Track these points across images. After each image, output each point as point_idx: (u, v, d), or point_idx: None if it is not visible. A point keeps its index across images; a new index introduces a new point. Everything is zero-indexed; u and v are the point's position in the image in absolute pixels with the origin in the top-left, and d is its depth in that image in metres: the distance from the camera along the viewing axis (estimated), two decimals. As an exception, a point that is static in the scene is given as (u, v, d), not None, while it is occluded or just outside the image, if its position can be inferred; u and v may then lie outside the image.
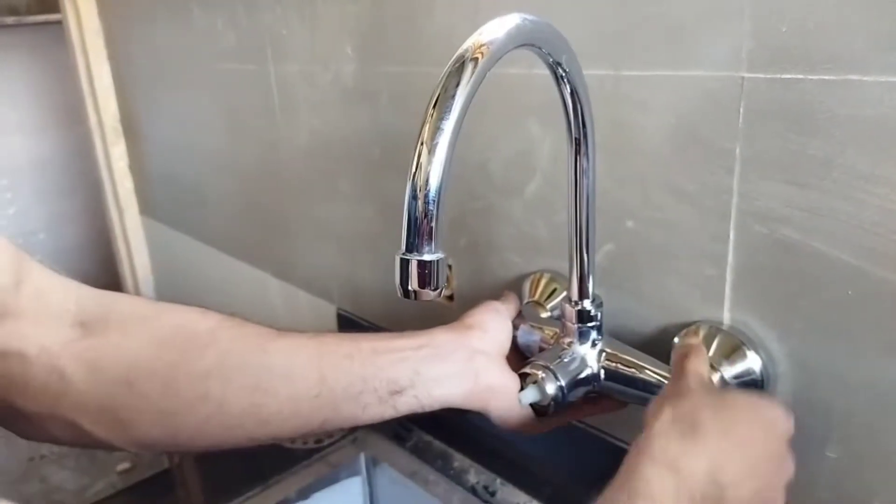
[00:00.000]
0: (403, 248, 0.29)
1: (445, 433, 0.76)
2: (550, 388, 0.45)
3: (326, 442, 0.78)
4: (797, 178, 0.40)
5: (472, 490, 0.69)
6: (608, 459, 0.58)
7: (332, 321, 0.88)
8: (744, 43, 0.40)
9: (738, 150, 0.42)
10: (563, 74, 0.39)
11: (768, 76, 0.40)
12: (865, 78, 0.36)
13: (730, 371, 0.45)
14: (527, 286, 0.58)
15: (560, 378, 0.45)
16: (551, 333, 0.51)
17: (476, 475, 0.71)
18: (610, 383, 0.46)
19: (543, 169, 0.55)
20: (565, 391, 0.45)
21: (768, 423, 0.38)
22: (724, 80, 0.41)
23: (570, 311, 0.46)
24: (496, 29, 0.34)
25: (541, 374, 0.45)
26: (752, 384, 0.44)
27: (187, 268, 1.22)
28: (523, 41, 0.35)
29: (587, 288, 0.46)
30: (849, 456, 0.42)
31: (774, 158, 0.41)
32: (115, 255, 1.38)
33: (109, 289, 0.44)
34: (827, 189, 0.39)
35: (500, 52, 0.33)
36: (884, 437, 0.40)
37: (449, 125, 0.31)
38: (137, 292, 1.34)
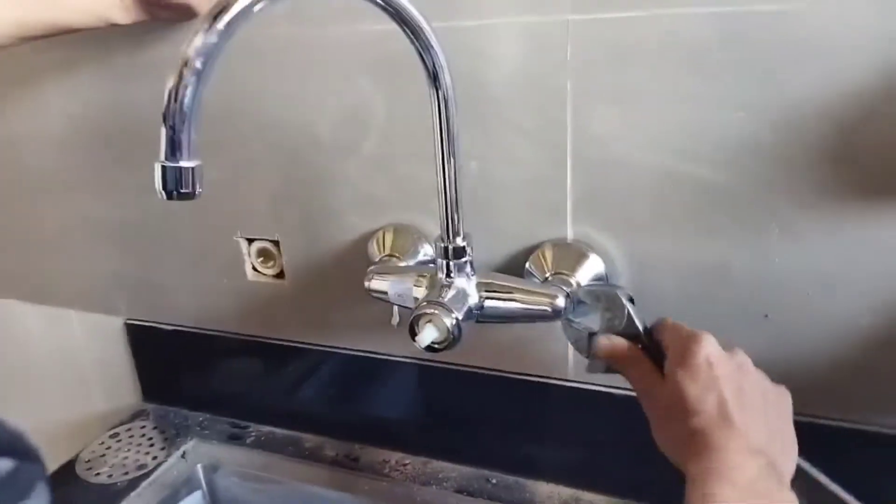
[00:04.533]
0: (163, 156, 0.32)
1: (288, 421, 0.73)
2: (448, 321, 0.47)
3: (151, 466, 0.69)
4: (618, 104, 0.48)
5: (334, 462, 0.68)
6: (454, 394, 0.62)
7: (121, 337, 0.78)
8: (565, -10, 0.47)
9: (568, 86, 0.49)
10: (413, 28, 0.40)
11: (589, 17, 0.47)
12: (661, 10, 0.45)
13: (582, 276, 0.52)
14: (374, 244, 0.59)
15: (453, 310, 0.47)
16: (419, 278, 0.53)
17: (332, 448, 0.70)
18: (491, 306, 0.50)
19: (379, 126, 0.56)
20: (460, 322, 0.48)
21: (782, 396, 0.43)
22: (553, 24, 0.48)
23: (445, 249, 0.49)
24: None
25: (434, 310, 0.47)
26: (599, 278, 0.53)
27: None
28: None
29: (458, 227, 0.49)
30: (683, 321, 0.52)
31: (599, 90, 0.48)
32: None
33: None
34: (642, 109, 0.48)
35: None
36: (705, 305, 0.51)
37: (209, 47, 0.32)
38: None
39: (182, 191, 0.33)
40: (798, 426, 0.43)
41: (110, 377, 0.82)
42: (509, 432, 0.63)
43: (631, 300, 0.48)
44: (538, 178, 0.52)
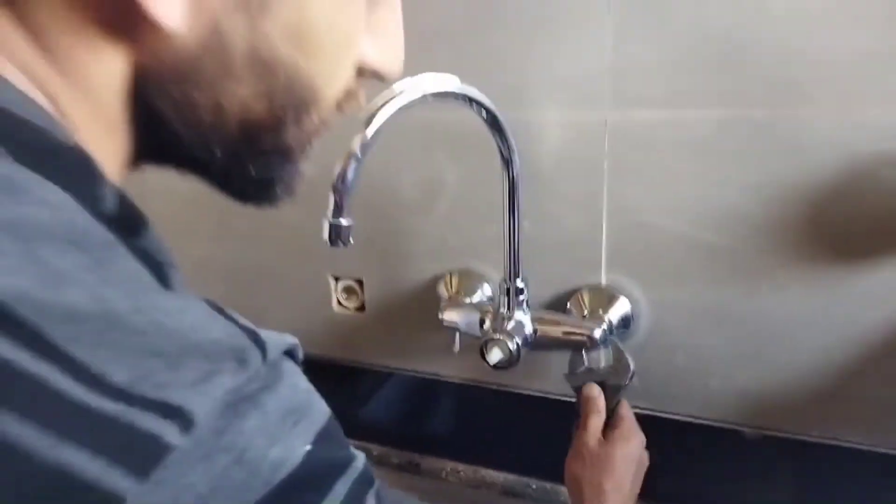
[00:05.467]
0: (330, 216, 0.46)
1: (359, 433, 0.86)
2: (511, 346, 0.61)
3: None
4: (644, 181, 0.63)
5: (399, 468, 0.81)
6: (500, 412, 0.75)
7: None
8: (605, 88, 0.62)
9: (605, 166, 0.64)
10: (489, 114, 0.55)
11: (624, 114, 0.62)
12: (679, 112, 0.60)
13: (612, 314, 0.66)
14: (443, 284, 0.73)
15: (515, 337, 0.61)
16: (484, 312, 0.67)
17: (397, 457, 0.83)
18: (542, 335, 0.64)
19: (451, 190, 0.71)
20: (520, 347, 0.61)
21: (638, 460, 0.60)
22: (594, 118, 0.63)
23: (508, 289, 0.63)
24: (434, 80, 0.49)
25: (499, 336, 0.61)
26: (626, 320, 0.66)
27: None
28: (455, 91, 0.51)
29: (518, 269, 0.63)
30: (692, 353, 0.66)
31: (629, 170, 0.63)
32: None
33: None
34: (663, 186, 0.62)
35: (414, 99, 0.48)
36: (710, 340, 0.65)
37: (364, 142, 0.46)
38: None
39: (342, 241, 0.47)
40: (782, 441, 0.58)
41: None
42: (544, 445, 0.75)
43: (633, 376, 0.63)
44: (580, 237, 0.67)
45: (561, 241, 0.68)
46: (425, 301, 0.74)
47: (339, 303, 0.81)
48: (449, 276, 0.73)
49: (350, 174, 0.47)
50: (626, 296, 0.66)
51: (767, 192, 0.59)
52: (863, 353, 0.60)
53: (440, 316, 0.69)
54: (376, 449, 0.84)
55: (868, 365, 0.60)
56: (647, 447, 0.61)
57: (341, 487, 0.27)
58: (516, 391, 0.75)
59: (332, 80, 0.33)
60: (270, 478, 0.24)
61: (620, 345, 0.64)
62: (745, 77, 0.57)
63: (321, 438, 0.27)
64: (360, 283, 0.79)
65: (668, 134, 0.61)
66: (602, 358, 0.64)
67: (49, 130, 0.25)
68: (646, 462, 0.61)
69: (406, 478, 0.79)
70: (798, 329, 0.61)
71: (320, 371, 0.86)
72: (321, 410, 0.28)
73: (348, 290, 0.80)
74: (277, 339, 0.27)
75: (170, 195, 0.86)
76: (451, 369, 0.78)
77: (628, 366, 0.63)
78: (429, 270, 0.75)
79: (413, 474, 0.80)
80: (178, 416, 0.21)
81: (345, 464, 0.28)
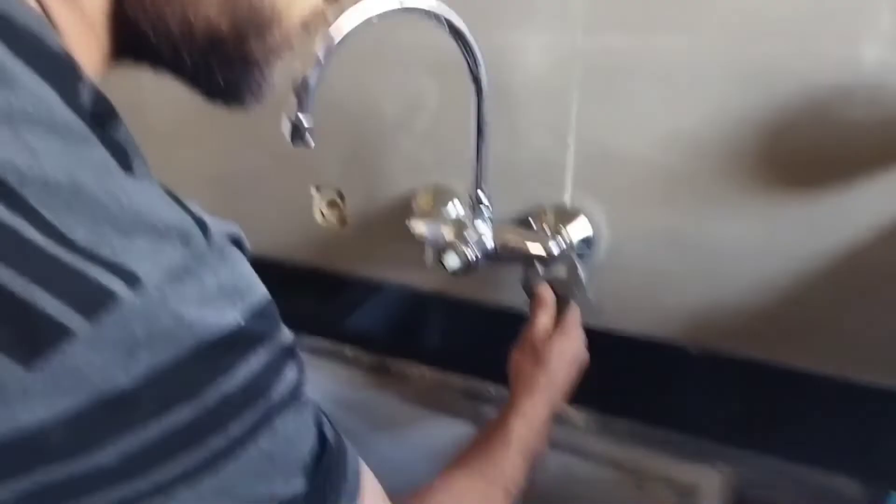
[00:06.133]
0: (293, 116, 0.49)
1: (333, 335, 0.91)
2: (469, 254, 0.65)
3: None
4: (612, 106, 0.65)
5: (370, 369, 0.87)
6: (467, 321, 0.79)
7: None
8: (578, 11, 0.63)
9: (575, 88, 0.66)
10: (453, 28, 0.57)
11: (594, 38, 0.63)
12: (648, 39, 0.61)
13: (572, 233, 0.70)
14: (419, 198, 0.77)
15: (473, 247, 0.65)
16: (451, 225, 0.70)
17: (368, 358, 0.89)
18: (503, 246, 0.68)
19: (429, 108, 0.73)
20: (477, 255, 0.65)
21: (577, 359, 0.65)
22: (566, 42, 0.64)
23: (472, 201, 0.66)
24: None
25: (458, 244, 0.65)
26: (586, 239, 0.70)
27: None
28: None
29: (482, 182, 0.66)
30: (647, 274, 0.69)
31: (598, 94, 0.65)
32: None
33: None
34: (630, 112, 0.64)
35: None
36: (664, 261, 0.68)
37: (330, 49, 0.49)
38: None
39: (303, 140, 0.50)
40: (730, 361, 0.65)
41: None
42: (504, 352, 0.80)
43: (584, 288, 0.68)
44: (547, 158, 0.69)
45: (529, 162, 0.71)
46: (402, 215, 0.78)
47: (322, 214, 0.86)
48: (424, 191, 0.77)
49: (312, 79, 0.50)
50: (588, 216, 0.70)
51: (727, 119, 0.61)
52: (806, 279, 0.63)
53: (409, 227, 0.73)
54: (350, 350, 0.90)
55: (811, 291, 0.63)
56: (599, 362, 0.66)
57: (264, 354, 0.30)
58: (481, 303, 0.79)
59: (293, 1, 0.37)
60: (202, 336, 0.27)
61: (575, 258, 0.68)
62: (714, 5, 0.58)
63: (255, 315, 0.30)
64: (342, 196, 0.83)
65: (636, 59, 0.62)
66: (556, 269, 0.69)
67: (42, 36, 0.28)
68: (584, 361, 0.66)
69: (375, 378, 0.85)
70: (747, 253, 0.65)
71: (301, 279, 0.92)
72: (260, 293, 0.31)
73: (331, 203, 0.84)
74: (222, 225, 0.30)
75: (156, 102, 0.89)
76: (423, 281, 0.82)
77: (580, 277, 0.67)
78: (406, 185, 0.78)
79: (382, 375, 0.85)
80: (127, 276, 0.25)
81: (273, 336, 0.31)
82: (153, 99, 0.89)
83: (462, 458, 0.55)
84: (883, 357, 0.63)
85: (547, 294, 0.68)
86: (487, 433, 0.58)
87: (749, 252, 0.64)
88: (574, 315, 0.67)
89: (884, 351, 0.62)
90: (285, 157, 0.84)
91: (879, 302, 0.61)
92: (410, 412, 0.82)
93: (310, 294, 0.91)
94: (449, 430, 0.80)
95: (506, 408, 0.60)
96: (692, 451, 0.72)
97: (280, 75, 0.41)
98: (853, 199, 0.59)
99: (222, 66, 0.37)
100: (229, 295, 0.29)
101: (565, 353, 0.63)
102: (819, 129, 0.58)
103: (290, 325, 0.34)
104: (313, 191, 0.84)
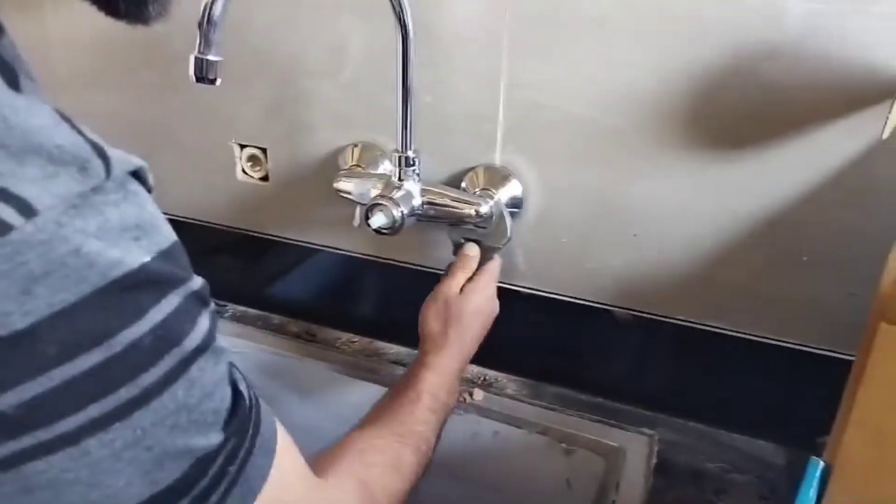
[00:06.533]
0: (197, 51, 0.46)
1: (260, 303, 0.88)
2: (395, 213, 0.62)
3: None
4: (544, 59, 0.62)
5: (297, 336, 0.83)
6: (393, 286, 0.76)
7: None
8: (509, -34, 0.60)
9: (504, 41, 0.63)
10: None
11: (525, -11, 0.61)
12: (580, -6, 0.59)
13: (503, 194, 0.67)
14: (345, 155, 0.73)
15: (400, 204, 0.62)
16: (377, 182, 0.67)
17: (295, 326, 0.85)
18: (430, 206, 0.65)
19: (355, 57, 0.69)
20: (405, 215, 0.62)
21: (487, 312, 0.63)
22: (497, -9, 0.62)
23: (399, 158, 0.63)
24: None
25: (385, 202, 0.62)
26: (515, 200, 0.68)
27: None
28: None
29: (409, 142, 0.63)
30: (576, 236, 0.68)
31: (530, 46, 0.62)
32: None
33: None
34: (562, 65, 0.62)
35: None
36: (592, 222, 0.67)
37: None
38: None
39: (209, 77, 0.47)
40: (651, 322, 0.63)
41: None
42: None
43: (508, 240, 0.67)
44: (477, 113, 0.67)
45: (459, 117, 0.68)
46: (328, 173, 0.74)
47: (244, 171, 0.81)
48: (351, 148, 0.73)
49: (217, 8, 0.46)
50: (518, 175, 0.68)
51: (657, 76, 0.59)
52: (730, 241, 0.63)
53: (334, 185, 0.69)
54: (276, 318, 0.86)
55: (734, 254, 0.63)
56: (526, 325, 0.65)
57: (175, 298, 0.28)
58: (409, 266, 0.77)
59: None
60: (106, 273, 0.25)
61: (505, 211, 0.66)
62: (645, -45, 0.56)
63: (162, 256, 0.28)
64: (265, 151, 0.78)
65: (568, 10, 0.60)
66: (485, 225, 0.67)
67: None
68: (492, 312, 0.65)
69: (303, 346, 0.82)
70: (673, 215, 0.64)
71: (222, 240, 0.87)
72: (167, 234, 0.29)
73: (253, 159, 0.80)
74: (123, 158, 0.28)
75: (75, 45, 0.82)
76: (350, 244, 0.79)
77: (506, 231, 0.65)
78: (333, 142, 0.74)
79: (309, 342, 0.82)
80: (19, 204, 0.23)
81: (182, 280, 0.29)
82: (58, 37, 0.82)
83: (371, 415, 0.54)
84: (807, 320, 0.63)
85: (471, 252, 0.67)
86: (397, 389, 0.56)
87: (675, 213, 0.63)
88: (492, 267, 0.66)
89: (808, 314, 0.63)
90: (205, 108, 0.78)
91: (801, 264, 0.61)
92: (338, 380, 0.79)
93: (231, 258, 0.87)
94: (375, 398, 0.77)
95: (415, 363, 0.59)
96: (618, 415, 0.72)
97: None
98: (778, 159, 0.58)
99: None
100: (133, 232, 0.27)
101: (477, 310, 0.62)
102: (746, 89, 0.57)
103: (213, 292, 0.32)
104: (234, 145, 0.79)
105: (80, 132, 0.26)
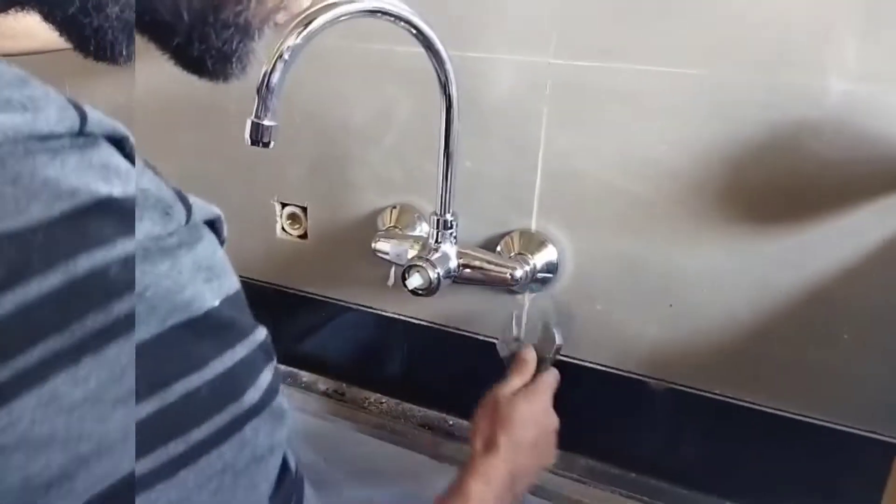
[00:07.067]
0: (254, 116, 0.47)
1: (289, 359, 0.88)
2: (431, 274, 0.62)
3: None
4: (581, 130, 0.64)
5: (325, 394, 0.83)
6: (426, 348, 0.76)
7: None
8: (551, 34, 0.63)
9: (544, 112, 0.65)
10: (435, 51, 0.56)
11: (565, 62, 0.63)
12: (618, 65, 0.61)
13: (538, 259, 0.68)
14: (384, 216, 0.75)
15: (437, 266, 0.63)
16: (414, 244, 0.68)
17: (324, 384, 0.85)
18: (466, 269, 0.66)
19: (399, 123, 0.72)
20: (441, 276, 0.63)
21: (542, 422, 0.61)
22: (538, 63, 0.64)
23: (437, 221, 0.65)
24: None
25: (422, 264, 0.63)
26: (550, 265, 0.68)
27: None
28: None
29: (449, 205, 0.64)
30: (611, 304, 0.68)
31: (566, 117, 0.64)
32: None
33: None
34: (597, 136, 0.64)
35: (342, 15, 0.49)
36: (627, 290, 0.67)
37: (296, 47, 0.47)
38: None
39: (263, 140, 0.48)
40: (687, 395, 0.63)
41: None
42: (466, 384, 0.77)
43: (559, 349, 0.67)
44: (515, 179, 0.68)
45: (498, 183, 0.69)
46: (366, 233, 0.75)
47: (283, 229, 0.83)
48: (390, 209, 0.75)
49: (276, 77, 0.48)
50: (553, 241, 0.68)
51: (693, 148, 0.60)
52: (767, 315, 0.62)
53: (372, 245, 0.71)
54: (306, 376, 0.86)
55: (771, 328, 0.62)
56: (562, 393, 0.64)
57: (241, 349, 0.27)
58: (445, 329, 0.77)
59: None
60: (167, 317, 0.24)
61: (552, 318, 0.67)
62: (684, 36, 0.58)
63: (229, 302, 0.27)
64: (305, 210, 0.80)
65: (605, 84, 0.62)
66: (532, 328, 0.68)
67: None
68: (550, 426, 0.62)
69: (331, 404, 0.81)
70: (709, 286, 0.63)
71: (258, 295, 0.88)
72: (233, 281, 0.29)
73: (293, 217, 0.82)
74: (203, 206, 0.28)
75: (122, 107, 0.86)
76: (384, 303, 0.79)
77: (554, 339, 0.65)
78: (372, 203, 0.76)
79: (337, 402, 0.82)
80: None
81: (248, 330, 0.28)
82: (110, 96, 0.87)
83: None
84: (848, 399, 0.61)
85: (528, 356, 0.66)
86: (445, 497, 0.54)
87: (711, 285, 0.63)
88: (547, 378, 0.65)
89: (849, 393, 0.61)
90: (249, 166, 0.81)
91: (842, 342, 0.60)
92: (365, 441, 0.78)
93: (265, 312, 0.87)
94: (404, 462, 0.76)
95: (464, 468, 0.56)
96: (651, 492, 0.70)
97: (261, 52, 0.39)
98: (817, 234, 0.58)
99: (220, 31, 0.34)
100: (206, 276, 0.26)
101: (528, 416, 0.60)
102: (784, 163, 0.58)
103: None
104: (275, 203, 0.82)
105: (162, 179, 0.27)
